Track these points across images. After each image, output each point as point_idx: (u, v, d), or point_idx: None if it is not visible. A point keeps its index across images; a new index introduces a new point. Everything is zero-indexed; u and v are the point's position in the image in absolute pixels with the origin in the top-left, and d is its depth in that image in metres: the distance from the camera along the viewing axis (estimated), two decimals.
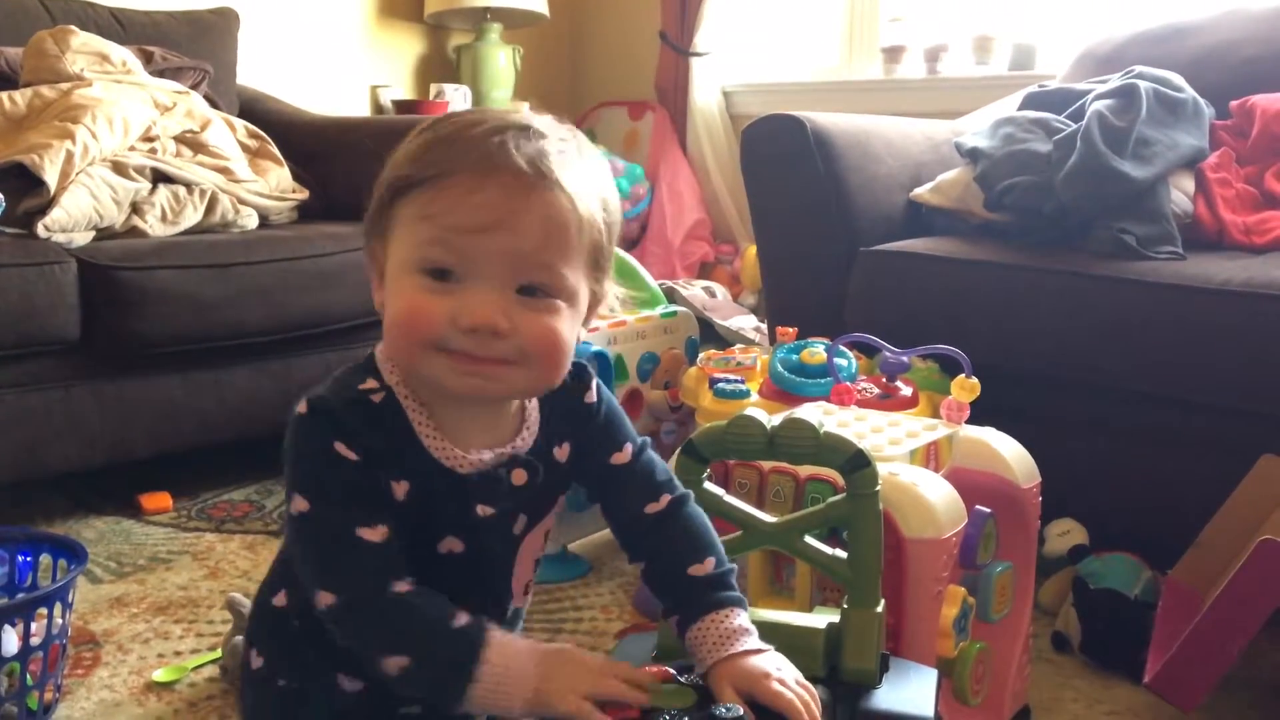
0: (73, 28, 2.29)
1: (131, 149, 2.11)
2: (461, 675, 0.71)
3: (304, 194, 2.38)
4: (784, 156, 2.00)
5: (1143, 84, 1.86)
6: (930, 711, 0.87)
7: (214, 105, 2.46)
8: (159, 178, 2.12)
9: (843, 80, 3.33)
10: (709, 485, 0.97)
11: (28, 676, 1.27)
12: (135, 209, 2.06)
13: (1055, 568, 1.64)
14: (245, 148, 2.38)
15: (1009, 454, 1.30)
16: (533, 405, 0.83)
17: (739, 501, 0.99)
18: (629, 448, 0.87)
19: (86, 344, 1.87)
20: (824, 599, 1.19)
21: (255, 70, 2.89)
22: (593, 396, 0.86)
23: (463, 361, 0.73)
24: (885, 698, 0.88)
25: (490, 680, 0.71)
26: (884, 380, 1.56)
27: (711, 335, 2.79)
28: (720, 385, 1.60)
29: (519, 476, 0.80)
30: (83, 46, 2.26)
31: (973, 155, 1.96)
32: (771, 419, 0.96)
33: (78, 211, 1.94)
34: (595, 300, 0.81)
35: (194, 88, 2.44)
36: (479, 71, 3.49)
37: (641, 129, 3.68)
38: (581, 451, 0.86)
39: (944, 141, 2.16)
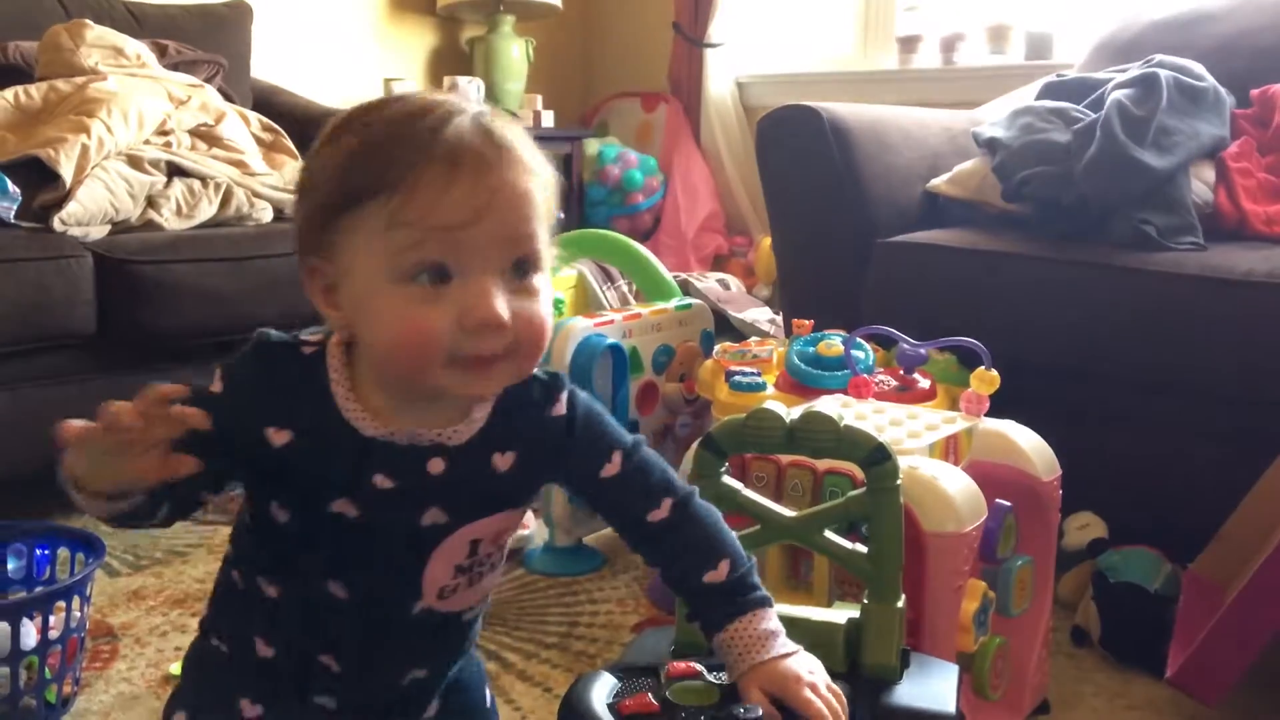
0: (88, 21, 2.29)
1: (146, 142, 2.12)
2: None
3: None
4: (800, 148, 1.99)
5: (1163, 73, 1.84)
6: (952, 707, 0.86)
7: (228, 98, 2.46)
8: (174, 171, 2.12)
9: (857, 70, 3.31)
10: (727, 479, 0.96)
11: (46, 670, 1.28)
12: (150, 202, 2.07)
13: (1074, 561, 1.63)
14: (259, 141, 2.38)
15: (1029, 447, 1.29)
16: (483, 404, 0.77)
17: (758, 495, 0.98)
18: (618, 456, 0.81)
19: (103, 338, 1.87)
20: (842, 594, 1.19)
21: (268, 63, 2.89)
22: (561, 409, 0.80)
23: (473, 368, 0.71)
24: (907, 693, 0.87)
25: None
26: (901, 372, 1.55)
27: (726, 327, 2.78)
28: (736, 378, 1.59)
29: (435, 465, 0.75)
30: (98, 40, 2.26)
31: (990, 145, 1.94)
32: (791, 412, 0.95)
33: (93, 205, 1.94)
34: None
35: (208, 81, 2.44)
36: (492, 64, 3.48)
37: (655, 121, 3.67)
38: (537, 465, 0.80)
39: (961, 132, 2.14)
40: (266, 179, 2.27)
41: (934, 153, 2.10)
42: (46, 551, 1.44)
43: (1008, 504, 1.21)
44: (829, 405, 1.34)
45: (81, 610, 1.31)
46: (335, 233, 0.71)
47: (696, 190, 3.51)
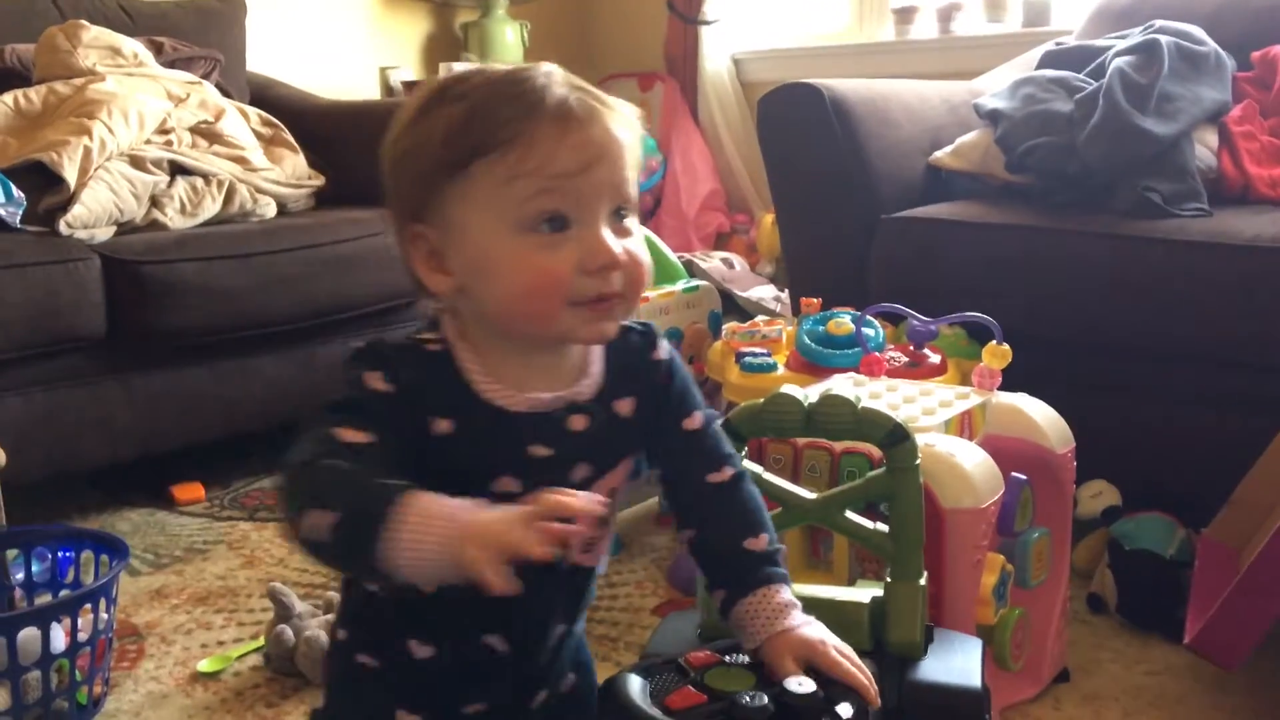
0: (83, 22, 2.29)
1: (148, 142, 2.11)
2: (377, 522, 0.65)
3: (320, 180, 2.38)
4: (802, 126, 1.99)
5: (1164, 38, 1.84)
6: (978, 681, 0.87)
7: (226, 94, 2.46)
8: (176, 170, 2.12)
9: (854, 43, 3.29)
10: (746, 462, 0.97)
11: (76, 672, 1.29)
12: (154, 202, 2.07)
13: (1089, 529, 1.64)
14: (260, 136, 2.38)
15: (1042, 419, 1.30)
16: (596, 357, 0.82)
17: (777, 478, 0.99)
18: (699, 415, 0.86)
19: (113, 339, 1.88)
20: (863, 571, 1.20)
21: (263, 57, 2.88)
22: (662, 354, 0.85)
23: (594, 308, 0.75)
24: (932, 669, 0.88)
25: (410, 533, 0.65)
26: (911, 348, 1.55)
27: (731, 307, 2.78)
28: (747, 359, 1.59)
29: (577, 422, 0.79)
30: (94, 41, 2.25)
31: (993, 117, 1.94)
32: (808, 395, 0.96)
33: (98, 207, 1.95)
34: None
35: (205, 77, 2.43)
36: (487, 48, 3.47)
37: (652, 100, 3.65)
38: (649, 410, 0.84)
39: (961, 104, 2.14)
40: (269, 174, 2.27)
41: (935, 126, 2.09)
42: (70, 554, 1.45)
43: (1024, 478, 1.22)
44: (843, 385, 1.35)
45: (108, 612, 1.33)
46: (443, 196, 0.76)
47: (696, 169, 3.50)
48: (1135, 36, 1.90)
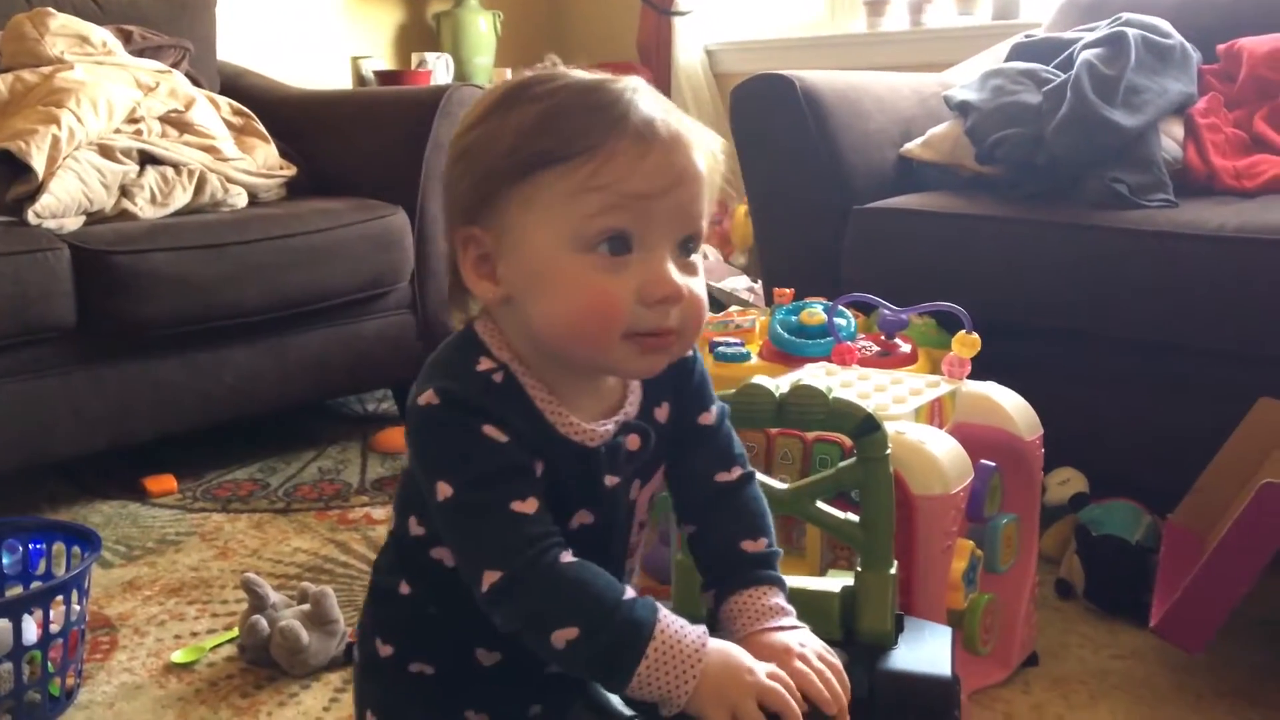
0: (50, 9, 2.26)
1: (117, 131, 2.10)
2: (631, 651, 0.69)
3: (292, 170, 2.36)
4: (774, 117, 2.00)
5: (1131, 31, 1.86)
6: (948, 670, 0.88)
7: (196, 83, 2.44)
8: (146, 159, 2.11)
9: (826, 34, 3.31)
10: None
11: (49, 664, 1.29)
12: (124, 192, 2.05)
13: (1056, 516, 1.66)
14: (230, 125, 2.36)
15: (1011, 407, 1.32)
16: None
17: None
18: (714, 410, 0.85)
19: (83, 329, 1.87)
20: (834, 558, 1.21)
21: (234, 46, 2.86)
22: (689, 350, 0.83)
23: (648, 343, 0.72)
24: (903, 658, 0.89)
25: (654, 663, 0.69)
26: (883, 338, 1.57)
27: None
28: (720, 348, 1.60)
29: (633, 442, 0.78)
30: (62, 29, 2.23)
31: (962, 109, 1.96)
32: (779, 385, 0.97)
33: (67, 197, 1.93)
34: None
35: (175, 66, 2.41)
36: (459, 38, 3.45)
37: None
38: (679, 409, 0.83)
39: (932, 95, 2.16)
40: (239, 164, 2.25)
41: (906, 117, 2.11)
42: (41, 546, 1.44)
43: (993, 464, 1.23)
44: (815, 374, 1.36)
45: (81, 603, 1.32)
46: (504, 200, 0.72)
47: None
48: (1103, 29, 1.92)
